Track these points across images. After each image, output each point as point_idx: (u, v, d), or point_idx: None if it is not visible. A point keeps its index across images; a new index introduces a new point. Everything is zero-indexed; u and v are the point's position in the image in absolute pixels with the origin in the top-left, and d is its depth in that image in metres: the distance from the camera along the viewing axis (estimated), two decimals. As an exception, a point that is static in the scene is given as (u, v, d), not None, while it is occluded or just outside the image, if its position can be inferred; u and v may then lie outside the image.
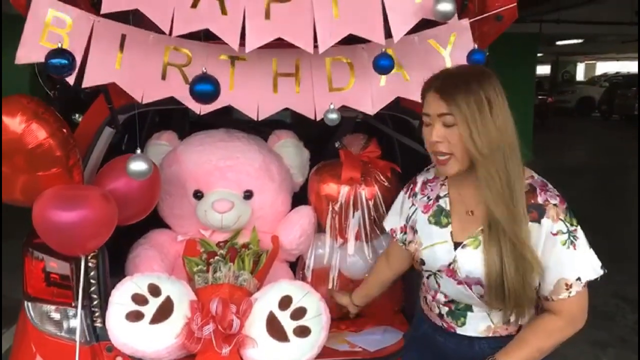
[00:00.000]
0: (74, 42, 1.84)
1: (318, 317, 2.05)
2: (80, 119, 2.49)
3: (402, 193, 1.89)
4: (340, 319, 2.38)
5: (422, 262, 1.70)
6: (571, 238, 1.54)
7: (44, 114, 1.95)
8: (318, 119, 2.03)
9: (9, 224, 3.22)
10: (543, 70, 25.17)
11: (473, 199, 1.62)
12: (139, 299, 2.05)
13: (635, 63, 23.88)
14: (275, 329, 2.04)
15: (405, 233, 1.83)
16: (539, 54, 13.69)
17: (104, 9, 1.68)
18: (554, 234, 1.53)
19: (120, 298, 2.05)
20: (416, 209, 1.76)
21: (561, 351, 3.93)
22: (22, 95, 1.98)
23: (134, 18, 1.78)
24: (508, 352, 1.59)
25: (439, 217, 1.68)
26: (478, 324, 1.64)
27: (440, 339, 1.73)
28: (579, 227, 1.56)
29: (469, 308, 1.65)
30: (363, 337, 2.35)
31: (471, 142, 1.48)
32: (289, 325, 2.04)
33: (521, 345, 1.58)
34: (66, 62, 1.50)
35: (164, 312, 2.04)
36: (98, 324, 2.11)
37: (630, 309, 4.54)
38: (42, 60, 1.58)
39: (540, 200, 1.54)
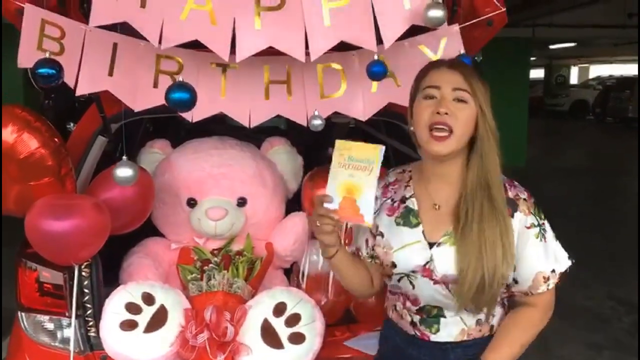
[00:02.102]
0: (69, 51, 1.84)
1: (312, 323, 2.05)
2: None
3: None
4: (334, 325, 2.38)
5: (394, 265, 1.63)
6: (542, 231, 1.57)
7: (36, 123, 1.96)
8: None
9: (9, 232, 3.20)
10: (537, 74, 25.25)
11: (442, 192, 1.61)
12: (132, 308, 2.04)
13: (629, 66, 24.02)
14: (269, 336, 2.03)
15: (373, 247, 1.71)
16: (532, 58, 13.74)
17: (92, 22, 1.69)
18: (528, 228, 1.55)
19: (114, 307, 2.04)
20: (379, 213, 1.68)
21: (557, 353, 3.92)
22: (15, 105, 1.99)
23: (125, 27, 1.78)
24: (494, 350, 1.58)
25: (408, 218, 1.63)
26: (452, 328, 1.62)
27: (413, 352, 1.66)
28: (546, 221, 1.59)
29: (441, 314, 1.61)
30: (360, 341, 2.35)
31: (482, 120, 1.53)
32: (283, 332, 2.04)
33: (505, 342, 1.59)
34: (54, 71, 1.51)
35: (158, 320, 2.04)
36: (92, 334, 2.10)
37: (626, 311, 4.54)
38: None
39: (511, 195, 1.57)
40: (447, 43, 1.96)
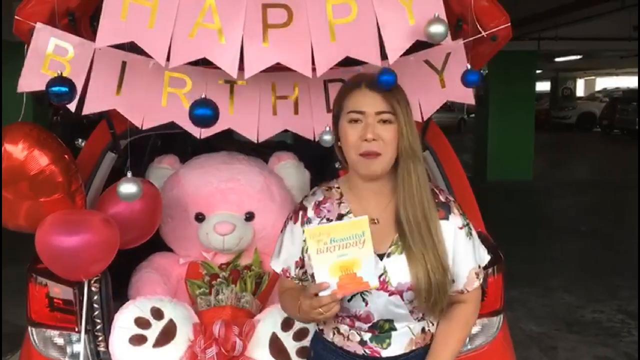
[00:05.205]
0: (75, 70, 1.86)
1: (321, 337, 2.05)
2: (83, 144, 2.53)
3: (289, 225, 1.72)
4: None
5: None
6: (469, 230, 1.65)
7: (46, 140, 1.98)
8: (317, 139, 2.05)
9: (19, 249, 3.24)
10: (543, 87, 25.27)
11: (377, 206, 1.62)
12: (142, 323, 2.05)
13: (635, 78, 23.99)
14: (278, 350, 2.04)
15: (302, 267, 1.68)
16: (538, 71, 13.76)
17: (98, 43, 1.67)
18: (460, 228, 1.62)
19: (124, 322, 2.05)
20: None
21: (566, 367, 3.86)
22: (25, 123, 2.01)
23: (133, 45, 1.80)
24: (435, 351, 1.62)
25: None
26: (402, 340, 1.61)
27: None
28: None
29: (392, 327, 1.60)
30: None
31: (404, 139, 1.54)
32: (291, 346, 2.04)
33: (445, 341, 1.63)
34: (66, 89, 1.53)
35: (167, 335, 2.05)
36: (102, 349, 2.11)
37: (636, 325, 4.50)
38: (43, 88, 1.60)
39: (442, 198, 1.64)
40: (452, 58, 1.98)
